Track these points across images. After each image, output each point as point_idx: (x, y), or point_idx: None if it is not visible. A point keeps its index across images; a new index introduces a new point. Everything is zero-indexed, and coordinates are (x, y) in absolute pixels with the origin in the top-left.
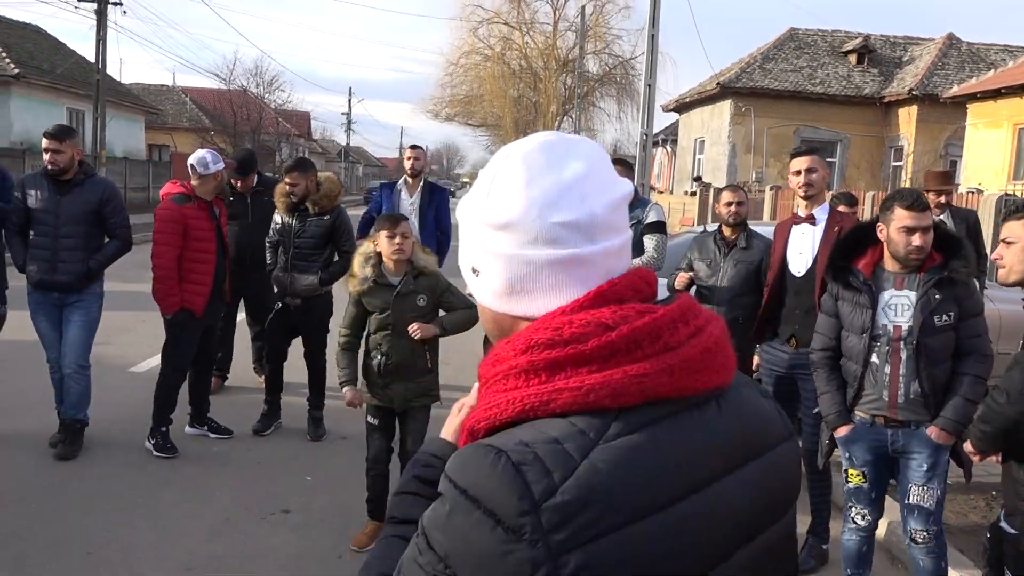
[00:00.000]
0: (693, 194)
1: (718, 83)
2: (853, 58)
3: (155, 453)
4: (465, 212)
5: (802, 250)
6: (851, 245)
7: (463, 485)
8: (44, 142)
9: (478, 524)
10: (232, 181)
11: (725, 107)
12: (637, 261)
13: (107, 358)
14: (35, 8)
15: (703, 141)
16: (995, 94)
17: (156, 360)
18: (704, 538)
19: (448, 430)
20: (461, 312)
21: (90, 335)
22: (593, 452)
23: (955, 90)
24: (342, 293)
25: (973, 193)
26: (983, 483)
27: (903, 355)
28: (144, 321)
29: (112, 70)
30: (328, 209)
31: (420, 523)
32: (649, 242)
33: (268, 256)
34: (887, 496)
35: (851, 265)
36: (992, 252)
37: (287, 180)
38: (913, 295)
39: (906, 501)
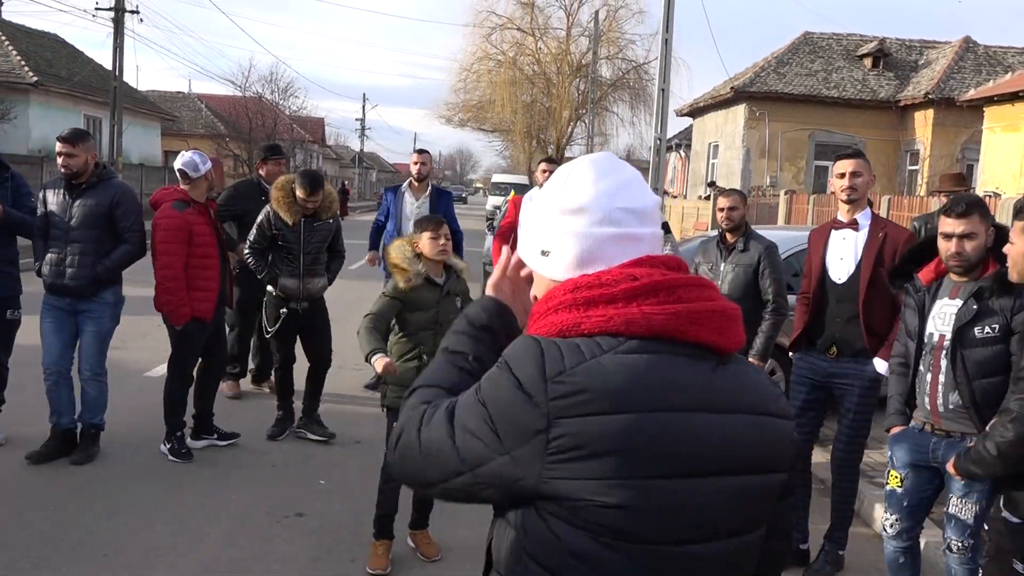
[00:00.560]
0: (707, 199)
1: (732, 87)
2: (868, 62)
3: (170, 458)
4: (539, 204)
5: (843, 256)
6: (919, 253)
7: (506, 357)
8: (58, 146)
9: (508, 383)
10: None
11: (739, 111)
12: None
13: (123, 363)
14: (53, 17)
15: (717, 146)
16: (1012, 97)
17: None
18: (672, 448)
19: (489, 286)
20: None
21: (103, 345)
22: (603, 356)
23: (972, 93)
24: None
25: (991, 197)
26: None
27: (943, 364)
28: (159, 326)
29: (129, 77)
30: (333, 214)
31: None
32: (664, 245)
33: (253, 261)
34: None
35: (913, 272)
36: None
37: (305, 196)
38: (962, 304)
39: (946, 510)
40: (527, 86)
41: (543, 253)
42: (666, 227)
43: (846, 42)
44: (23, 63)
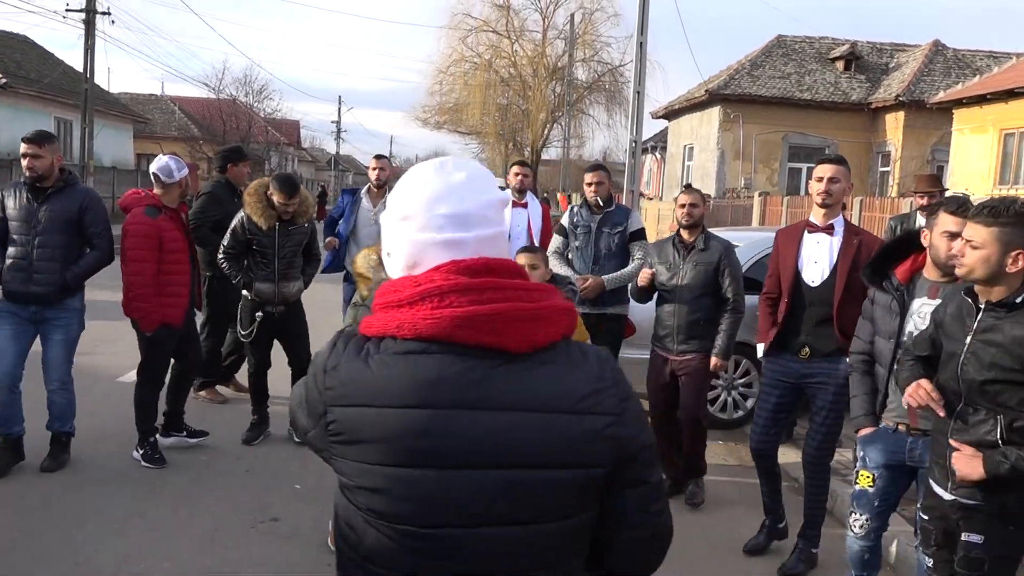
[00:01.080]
0: None
1: (707, 90)
2: (840, 64)
3: (143, 464)
4: (385, 212)
5: (817, 259)
6: (894, 251)
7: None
8: (23, 147)
9: (313, 368)
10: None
11: (714, 114)
12: (628, 269)
13: (94, 368)
14: (22, 18)
15: (692, 148)
16: (981, 100)
17: None
18: (429, 441)
19: None
20: None
21: (71, 352)
22: (374, 355)
23: (941, 96)
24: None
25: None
26: None
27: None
28: (130, 330)
29: (100, 79)
30: (309, 218)
31: None
32: (638, 251)
33: (227, 266)
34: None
35: (889, 270)
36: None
37: (283, 201)
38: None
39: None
40: (503, 89)
41: (388, 255)
42: (641, 233)
43: (818, 45)
44: None
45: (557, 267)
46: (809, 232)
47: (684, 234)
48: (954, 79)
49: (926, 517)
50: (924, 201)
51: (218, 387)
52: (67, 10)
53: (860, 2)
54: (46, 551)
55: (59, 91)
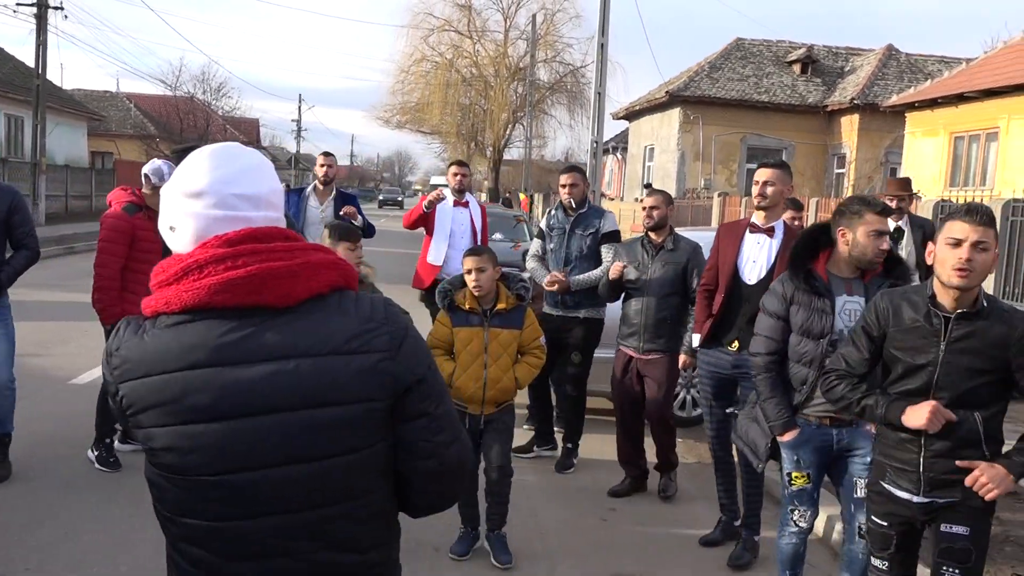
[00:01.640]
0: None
1: (667, 91)
2: (797, 68)
3: (97, 466)
4: (168, 186)
5: (756, 259)
6: (807, 249)
7: None
8: None
9: (102, 358)
10: None
11: (674, 115)
12: (596, 272)
13: (46, 370)
14: None
15: (653, 148)
16: (932, 103)
17: (98, 371)
18: (205, 398)
19: None
20: None
21: (13, 348)
22: (148, 332)
23: (894, 100)
24: None
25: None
26: None
27: None
28: (85, 332)
29: (53, 75)
30: None
31: None
32: (607, 252)
33: None
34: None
35: (812, 269)
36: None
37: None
38: (862, 300)
39: (855, 496)
40: (465, 88)
41: (171, 229)
42: (614, 236)
43: (776, 48)
44: None
45: (537, 270)
46: (751, 232)
47: (652, 235)
48: (907, 83)
49: (885, 523)
50: (894, 204)
51: None
52: (18, 4)
53: (816, 6)
54: None
55: (9, 87)
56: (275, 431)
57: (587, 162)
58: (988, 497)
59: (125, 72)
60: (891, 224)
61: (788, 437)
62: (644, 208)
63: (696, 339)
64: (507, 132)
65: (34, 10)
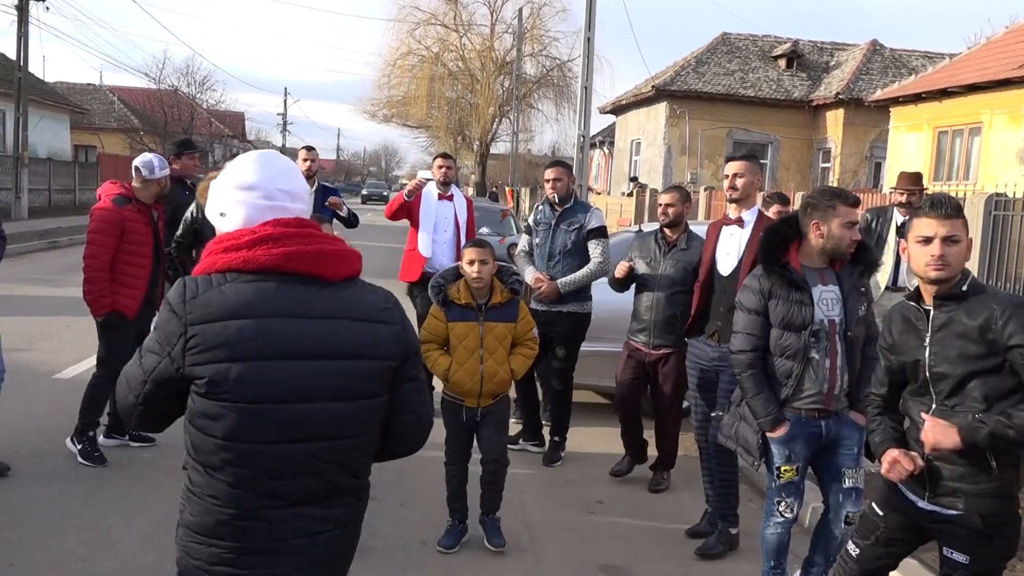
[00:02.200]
0: (630, 195)
1: (653, 86)
2: (783, 62)
3: (80, 460)
4: (220, 180)
5: (729, 250)
6: (778, 242)
7: (167, 295)
8: None
9: (165, 309)
10: None
11: (660, 109)
12: (582, 272)
13: (31, 365)
14: None
15: (639, 143)
16: (916, 98)
17: (83, 366)
18: (271, 340)
19: None
20: None
21: None
22: (225, 285)
23: (879, 94)
24: None
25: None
26: None
27: (839, 348)
28: (69, 327)
29: (35, 68)
30: None
31: None
32: (595, 249)
33: (178, 256)
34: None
35: (786, 263)
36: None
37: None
38: (836, 288)
39: (843, 486)
40: (451, 82)
41: (221, 215)
42: (600, 232)
43: (762, 43)
44: None
45: (525, 266)
46: (725, 225)
47: (667, 231)
48: (891, 78)
49: (880, 513)
50: (904, 198)
51: None
52: None
53: (801, 1)
54: None
55: None
56: (328, 373)
57: (574, 156)
58: (926, 448)
59: (108, 65)
60: (898, 218)
61: (779, 433)
62: (660, 205)
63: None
64: (494, 126)
65: (15, 1)
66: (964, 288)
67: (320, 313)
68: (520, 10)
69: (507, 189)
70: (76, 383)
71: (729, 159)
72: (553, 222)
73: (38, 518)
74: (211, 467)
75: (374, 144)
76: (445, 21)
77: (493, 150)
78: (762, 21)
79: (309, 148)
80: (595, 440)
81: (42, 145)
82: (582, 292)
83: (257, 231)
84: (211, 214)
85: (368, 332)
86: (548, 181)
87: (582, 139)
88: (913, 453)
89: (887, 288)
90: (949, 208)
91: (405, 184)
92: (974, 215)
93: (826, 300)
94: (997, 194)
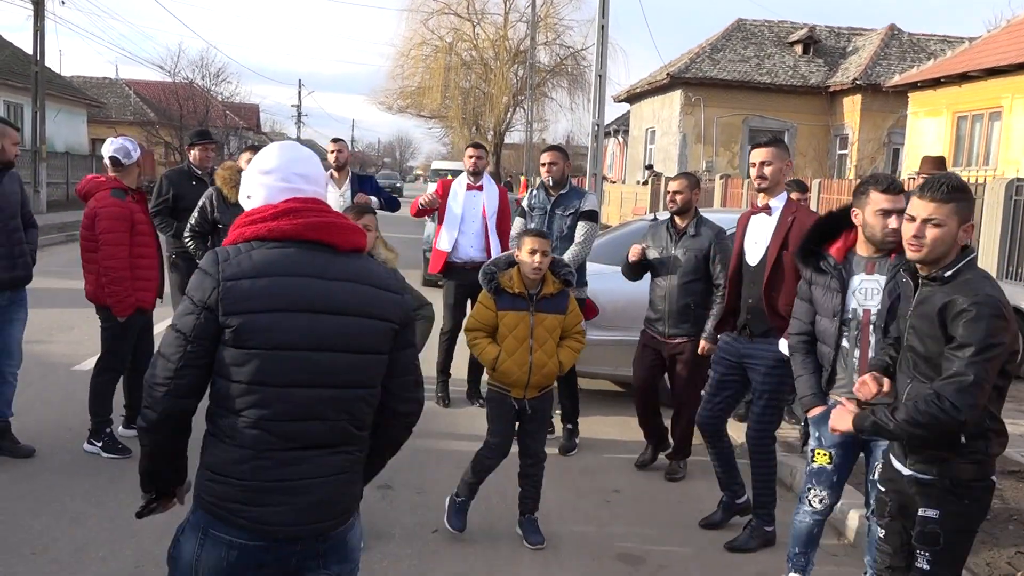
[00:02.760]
0: (645, 183)
1: (668, 73)
2: (799, 48)
3: (105, 455)
4: (248, 168)
5: (757, 240)
6: (826, 230)
7: (200, 263)
8: None
9: (198, 273)
10: None
11: (675, 97)
12: (567, 254)
13: (50, 357)
14: None
15: (654, 131)
16: (934, 83)
17: None
18: (292, 295)
19: None
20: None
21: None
22: (253, 251)
23: (896, 80)
24: None
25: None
26: None
27: (872, 339)
28: (87, 318)
29: (51, 62)
30: None
31: None
32: (580, 231)
33: (193, 245)
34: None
35: (822, 250)
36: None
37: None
38: (883, 279)
39: (873, 478)
40: (465, 72)
41: (248, 197)
42: (590, 215)
43: (777, 29)
44: None
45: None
46: (753, 214)
47: (677, 219)
48: (909, 63)
49: (883, 488)
50: None
51: None
52: None
53: None
54: (1, 540)
55: (8, 74)
56: (347, 326)
57: (588, 145)
58: (831, 428)
59: (124, 58)
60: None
61: (814, 413)
62: (668, 192)
63: (708, 324)
64: (508, 116)
65: None
66: (947, 274)
67: (333, 276)
68: None
69: (522, 179)
70: None
71: (755, 146)
72: (549, 207)
73: (59, 507)
74: (234, 411)
75: (388, 135)
76: (458, 10)
77: (507, 140)
78: (778, 6)
79: (335, 139)
80: (611, 428)
81: (60, 139)
82: (577, 278)
83: (279, 206)
84: (241, 198)
85: (374, 295)
86: (544, 165)
87: (596, 128)
88: (881, 376)
89: None
90: (937, 192)
91: (420, 175)
92: (994, 200)
93: (865, 289)
94: (1018, 179)
